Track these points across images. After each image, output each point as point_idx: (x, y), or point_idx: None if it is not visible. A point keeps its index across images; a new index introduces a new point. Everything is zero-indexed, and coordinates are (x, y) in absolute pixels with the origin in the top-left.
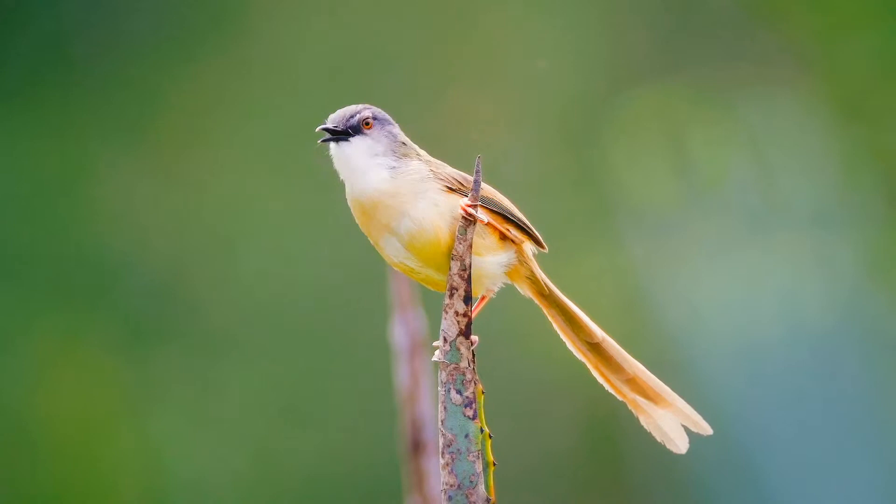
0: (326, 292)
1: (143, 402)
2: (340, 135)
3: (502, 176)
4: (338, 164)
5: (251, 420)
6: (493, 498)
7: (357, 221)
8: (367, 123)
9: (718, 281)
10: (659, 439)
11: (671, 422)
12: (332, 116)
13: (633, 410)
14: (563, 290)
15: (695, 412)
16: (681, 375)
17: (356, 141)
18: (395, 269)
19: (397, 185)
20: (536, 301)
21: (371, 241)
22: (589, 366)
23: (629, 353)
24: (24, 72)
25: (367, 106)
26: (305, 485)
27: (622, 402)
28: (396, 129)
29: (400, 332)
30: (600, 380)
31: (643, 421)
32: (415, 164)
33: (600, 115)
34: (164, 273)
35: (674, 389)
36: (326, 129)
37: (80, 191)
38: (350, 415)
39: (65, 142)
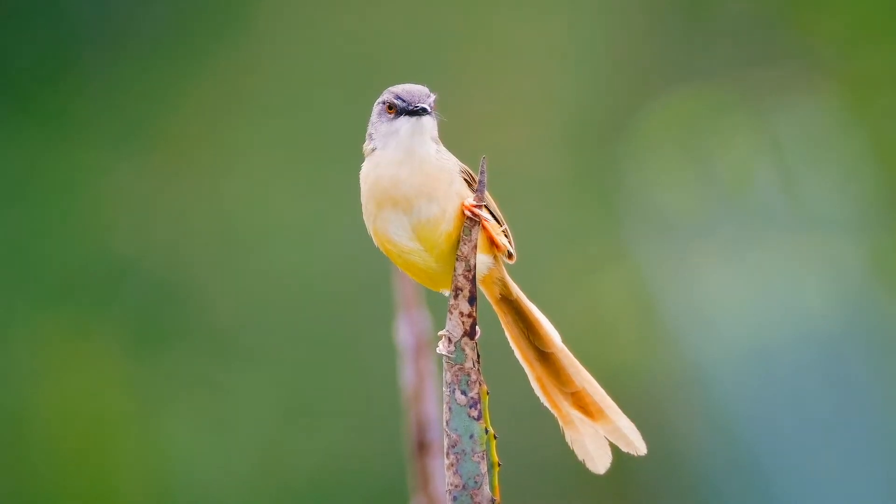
0: (332, 293)
1: (149, 403)
2: (425, 113)
3: (510, 181)
4: (405, 133)
5: (257, 420)
6: (497, 498)
7: (368, 189)
8: (433, 106)
9: (726, 284)
10: (580, 457)
11: (598, 440)
12: (411, 93)
13: (561, 424)
14: (571, 296)
15: (635, 431)
16: (690, 378)
17: (427, 119)
18: (381, 248)
19: (437, 167)
20: (494, 306)
21: (369, 213)
22: (530, 375)
23: (637, 357)
24: (31, 73)
25: (427, 91)
26: (311, 485)
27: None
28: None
29: (405, 333)
30: (538, 391)
31: (568, 436)
32: (440, 150)
33: (613, 120)
34: (171, 274)
35: (683, 392)
36: (425, 109)
37: (87, 192)
38: (355, 415)
39: (70, 143)
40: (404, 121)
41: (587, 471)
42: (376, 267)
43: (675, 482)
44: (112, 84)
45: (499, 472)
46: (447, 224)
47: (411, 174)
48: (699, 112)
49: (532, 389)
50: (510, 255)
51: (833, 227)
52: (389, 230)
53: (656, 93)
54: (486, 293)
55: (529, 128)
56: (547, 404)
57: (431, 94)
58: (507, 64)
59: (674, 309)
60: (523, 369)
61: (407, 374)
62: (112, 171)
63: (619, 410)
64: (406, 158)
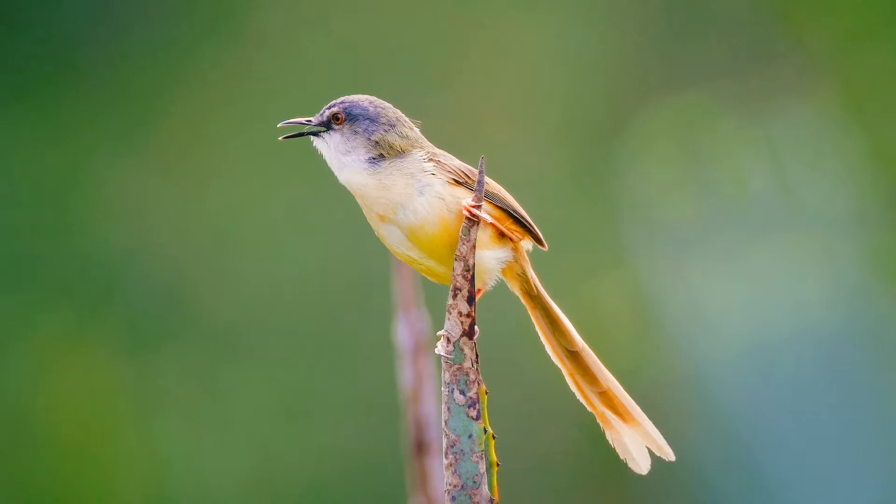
0: (330, 293)
1: (147, 404)
2: (316, 129)
3: (508, 180)
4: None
5: (255, 421)
6: (496, 498)
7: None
8: (337, 119)
9: (725, 284)
10: (622, 456)
11: (636, 441)
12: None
13: (601, 423)
14: (571, 298)
15: (660, 436)
16: (688, 377)
17: (326, 136)
18: (398, 258)
19: (381, 178)
20: (523, 300)
21: (375, 232)
22: (564, 372)
23: (635, 356)
24: (27, 74)
25: (344, 100)
26: (309, 486)
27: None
28: (377, 125)
29: (403, 333)
30: (573, 388)
31: (609, 435)
32: (412, 157)
33: (611, 123)
34: (167, 274)
35: (681, 392)
36: (290, 123)
37: (83, 193)
38: (354, 415)
39: (67, 143)
40: (313, 142)
41: (585, 471)
42: (374, 267)
43: (674, 482)
44: (106, 84)
45: (497, 471)
46: (432, 226)
47: (359, 195)
48: (696, 114)
49: (532, 389)
50: (541, 243)
51: (830, 226)
52: (392, 242)
53: (653, 94)
54: (511, 288)
55: (526, 129)
56: (584, 402)
57: (328, 109)
58: (504, 64)
59: (672, 309)
60: (521, 372)
61: (405, 374)
62: (108, 173)
63: (644, 415)
64: (343, 182)
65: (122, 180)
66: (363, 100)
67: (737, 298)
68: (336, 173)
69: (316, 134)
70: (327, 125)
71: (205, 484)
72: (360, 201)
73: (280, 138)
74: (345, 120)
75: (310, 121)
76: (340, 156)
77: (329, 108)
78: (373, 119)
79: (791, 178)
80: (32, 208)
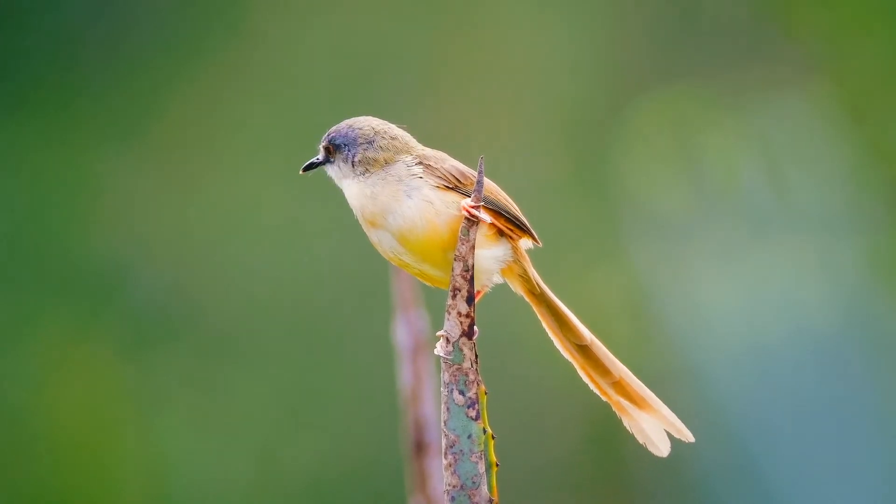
0: (329, 294)
1: (147, 406)
2: (322, 163)
3: (504, 177)
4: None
5: (254, 422)
6: (495, 499)
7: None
8: (329, 152)
9: (723, 283)
10: (641, 441)
11: (654, 425)
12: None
13: (617, 412)
14: (568, 295)
15: (677, 419)
16: (686, 377)
17: (329, 168)
18: (392, 262)
19: (369, 188)
20: (528, 300)
21: (369, 239)
22: (576, 366)
23: (633, 355)
24: (26, 76)
25: (329, 132)
26: (308, 486)
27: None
28: (356, 147)
29: (402, 333)
30: (586, 380)
31: (626, 423)
32: (399, 163)
33: (606, 119)
34: (167, 276)
35: (679, 391)
36: (307, 167)
37: (83, 195)
38: (353, 416)
39: (67, 146)
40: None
41: (585, 471)
42: (374, 268)
43: (672, 481)
44: (105, 87)
45: (497, 472)
46: (421, 229)
47: (355, 207)
48: (694, 112)
49: (531, 389)
50: (536, 240)
51: (828, 224)
52: (385, 247)
53: (651, 92)
54: (515, 289)
55: (522, 125)
56: (597, 393)
57: (321, 143)
58: (500, 61)
59: (670, 308)
60: (520, 373)
61: (405, 374)
62: (109, 173)
63: (659, 400)
64: (346, 196)
65: (123, 181)
66: (342, 127)
67: (735, 298)
68: (342, 188)
69: (325, 163)
70: (327, 159)
71: (206, 484)
72: (355, 212)
73: (301, 172)
74: (334, 151)
75: (318, 158)
76: (341, 180)
77: (321, 143)
78: (351, 143)
79: (789, 174)
80: (33, 208)
